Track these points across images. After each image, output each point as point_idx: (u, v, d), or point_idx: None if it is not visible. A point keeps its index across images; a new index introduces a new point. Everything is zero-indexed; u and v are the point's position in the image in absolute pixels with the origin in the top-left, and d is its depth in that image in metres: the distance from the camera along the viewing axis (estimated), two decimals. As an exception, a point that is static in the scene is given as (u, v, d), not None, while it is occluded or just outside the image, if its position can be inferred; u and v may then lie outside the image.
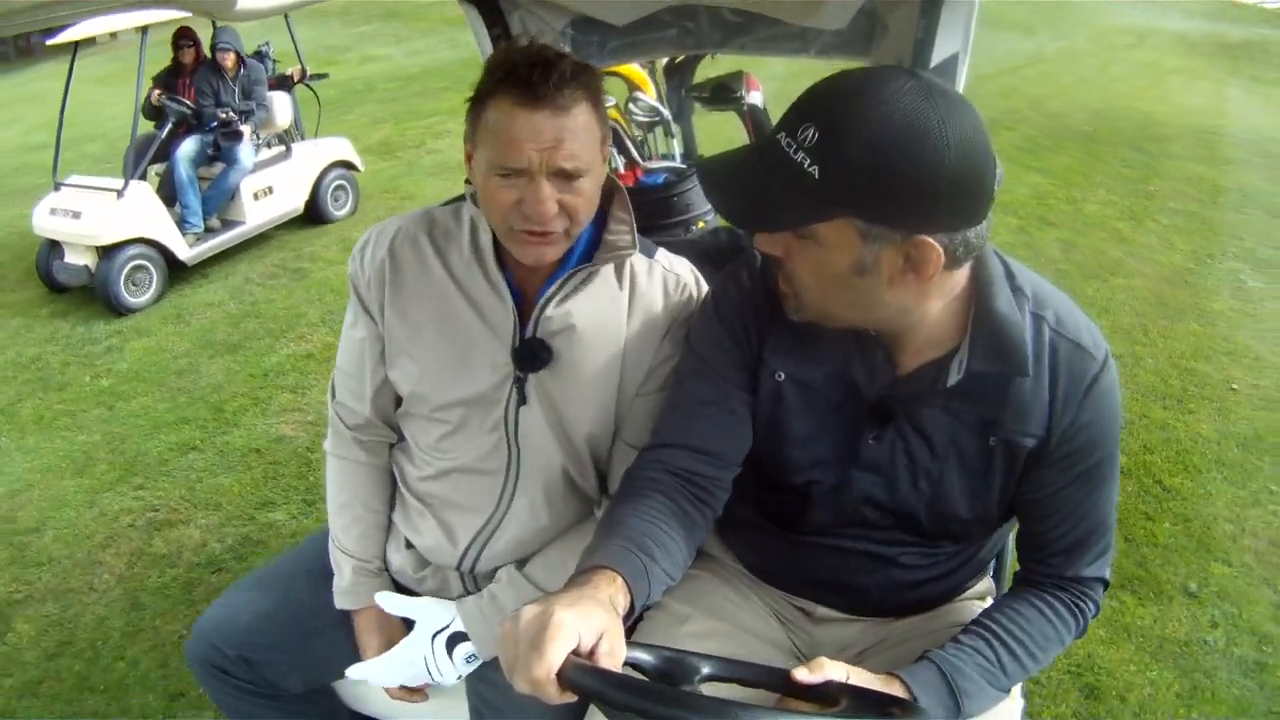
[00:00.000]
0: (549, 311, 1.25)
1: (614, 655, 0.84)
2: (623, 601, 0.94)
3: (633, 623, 1.01)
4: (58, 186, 4.95)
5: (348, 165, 6.09)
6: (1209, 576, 2.71)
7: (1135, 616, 2.52)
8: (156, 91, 5.27)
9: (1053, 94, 10.19)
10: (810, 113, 0.92)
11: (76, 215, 4.73)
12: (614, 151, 3.18)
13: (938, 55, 1.39)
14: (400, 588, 1.43)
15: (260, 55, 5.78)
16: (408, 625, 1.35)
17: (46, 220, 4.83)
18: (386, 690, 1.36)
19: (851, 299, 1.00)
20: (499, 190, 1.13)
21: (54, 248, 4.91)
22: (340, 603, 1.39)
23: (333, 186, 5.96)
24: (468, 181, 1.25)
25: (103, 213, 4.72)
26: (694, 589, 1.32)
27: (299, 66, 6.00)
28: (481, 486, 1.33)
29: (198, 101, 5.31)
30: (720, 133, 3.33)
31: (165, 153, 5.21)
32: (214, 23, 5.42)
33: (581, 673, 0.79)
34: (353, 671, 1.33)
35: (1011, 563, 1.30)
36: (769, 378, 1.15)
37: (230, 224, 5.43)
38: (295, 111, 5.95)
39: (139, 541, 2.95)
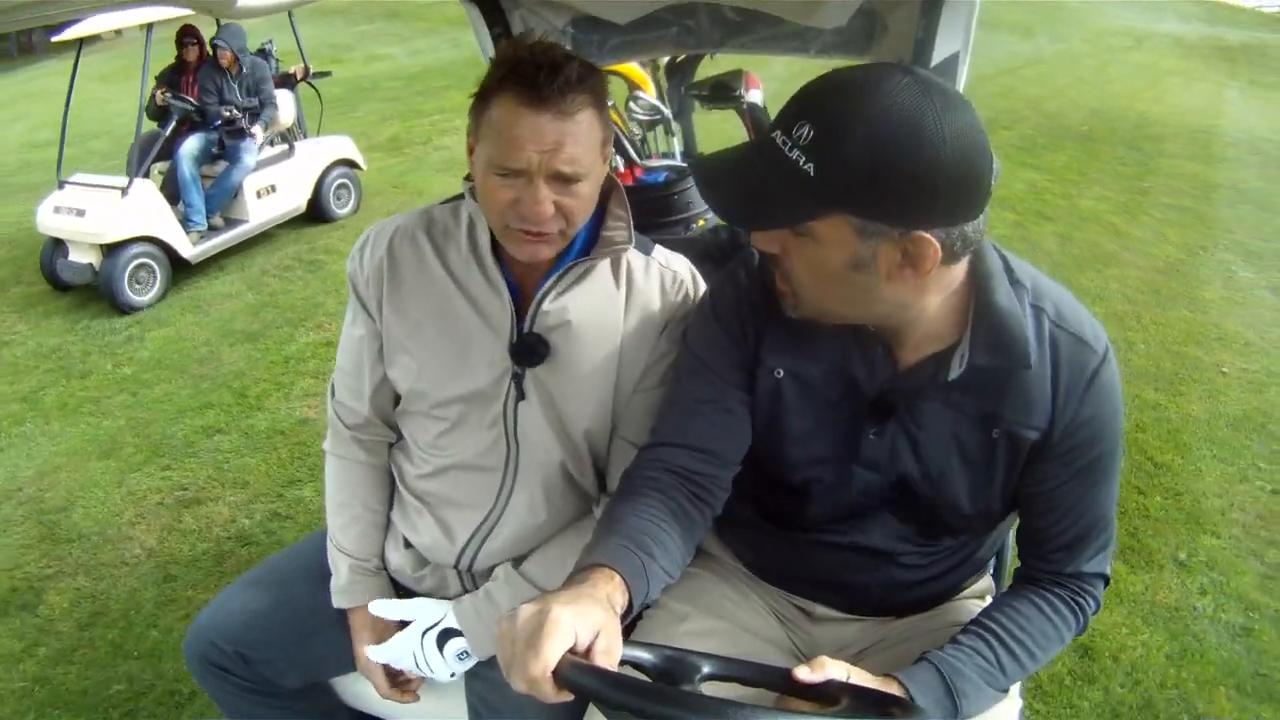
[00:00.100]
0: (546, 306, 1.25)
1: (610, 654, 0.83)
2: (621, 600, 0.94)
3: (631, 621, 1.00)
4: (62, 184, 4.93)
5: (350, 163, 6.08)
6: (1198, 547, 2.79)
7: (1127, 584, 2.60)
8: (161, 91, 5.27)
9: (1050, 94, 10.28)
10: (805, 110, 0.92)
11: (81, 213, 4.72)
12: (613, 150, 3.19)
13: (938, 55, 1.38)
14: (399, 587, 1.43)
15: (264, 53, 5.77)
16: (404, 625, 1.35)
17: (51, 218, 4.81)
18: (377, 689, 1.36)
19: (849, 295, 1.00)
20: (497, 189, 1.13)
21: (58, 245, 4.89)
22: (338, 601, 1.38)
23: (335, 185, 5.94)
24: (467, 178, 1.25)
25: (107, 211, 4.71)
26: (693, 588, 1.31)
27: (302, 65, 6.00)
28: (480, 483, 1.33)
29: (201, 99, 5.30)
30: (720, 131, 3.34)
31: (169, 151, 5.21)
32: (217, 21, 5.41)
33: (578, 671, 0.79)
34: (375, 654, 1.31)
35: (1011, 561, 1.31)
36: (767, 375, 1.15)
37: (233, 222, 5.42)
38: (298, 110, 5.96)
39: (168, 518, 3.00)
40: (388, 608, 1.33)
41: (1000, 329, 1.01)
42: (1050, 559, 1.14)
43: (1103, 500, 1.11)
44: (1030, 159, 7.31)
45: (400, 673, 1.37)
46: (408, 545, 1.41)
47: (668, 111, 3.28)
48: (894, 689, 1.00)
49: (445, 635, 1.29)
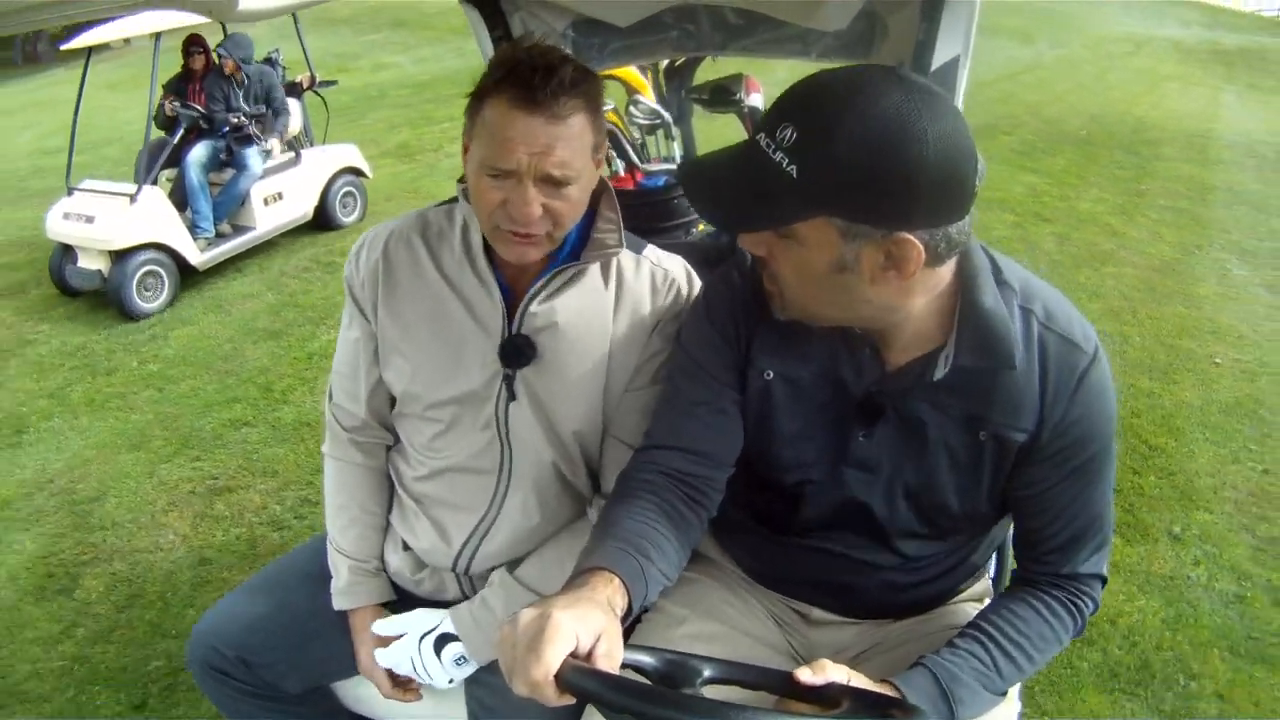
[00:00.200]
0: (533, 308, 1.25)
1: (611, 657, 0.83)
2: (620, 603, 0.94)
3: (629, 625, 1.00)
4: (71, 191, 4.97)
5: (356, 172, 6.11)
6: (1191, 522, 2.86)
7: (1123, 555, 2.67)
8: (169, 101, 5.30)
9: (1050, 100, 10.32)
10: (789, 112, 0.92)
11: (90, 220, 4.76)
12: (613, 154, 3.19)
13: (939, 58, 1.38)
14: (398, 589, 1.44)
15: (270, 62, 5.81)
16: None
17: (60, 225, 4.84)
18: (380, 689, 1.36)
19: (834, 297, 0.99)
20: (487, 189, 1.14)
21: (67, 252, 4.92)
22: (338, 603, 1.39)
23: (341, 193, 5.97)
24: (461, 179, 1.26)
25: (116, 218, 4.74)
26: (691, 592, 1.31)
27: (308, 73, 6.04)
28: (474, 485, 1.33)
29: (208, 107, 5.33)
30: (721, 135, 3.35)
31: (177, 158, 5.24)
32: (224, 30, 5.51)
33: (579, 674, 0.79)
34: (379, 657, 1.33)
35: (1010, 563, 1.31)
36: (757, 377, 1.15)
37: (240, 229, 5.45)
38: (305, 118, 6.00)
39: (200, 506, 3.06)
40: (389, 626, 1.34)
41: (985, 330, 1.00)
42: (1046, 561, 1.14)
43: (1097, 501, 1.11)
44: (1030, 163, 7.37)
45: None
46: (406, 548, 1.42)
47: (667, 116, 3.29)
48: (890, 694, 1.00)
49: (442, 640, 1.30)
